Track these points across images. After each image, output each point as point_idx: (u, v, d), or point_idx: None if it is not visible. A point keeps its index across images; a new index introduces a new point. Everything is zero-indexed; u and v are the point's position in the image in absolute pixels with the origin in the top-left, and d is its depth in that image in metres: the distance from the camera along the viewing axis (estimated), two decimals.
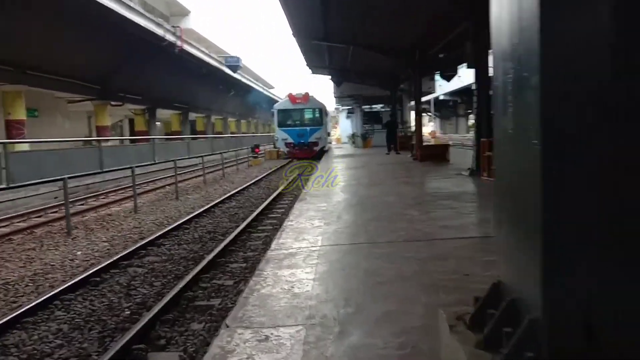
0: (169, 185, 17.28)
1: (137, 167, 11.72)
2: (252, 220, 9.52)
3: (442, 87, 54.75)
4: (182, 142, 18.97)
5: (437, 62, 22.09)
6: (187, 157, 16.91)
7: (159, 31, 20.03)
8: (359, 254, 4.91)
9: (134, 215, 10.95)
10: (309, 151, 29.25)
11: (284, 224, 6.84)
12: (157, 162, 14.02)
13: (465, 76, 48.10)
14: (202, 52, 26.66)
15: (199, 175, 19.96)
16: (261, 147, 31.90)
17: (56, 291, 5.39)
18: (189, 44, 24.03)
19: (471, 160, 12.29)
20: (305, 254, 5.04)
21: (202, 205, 11.97)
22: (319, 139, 29.78)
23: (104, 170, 11.32)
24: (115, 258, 6.81)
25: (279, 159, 30.59)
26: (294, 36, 20.04)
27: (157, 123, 43.45)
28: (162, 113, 32.12)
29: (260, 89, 46.92)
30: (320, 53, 23.96)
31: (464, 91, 60.91)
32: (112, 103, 22.72)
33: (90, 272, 6.16)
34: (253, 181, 17.39)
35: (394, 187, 10.18)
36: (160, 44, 20.60)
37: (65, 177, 8.35)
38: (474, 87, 40.60)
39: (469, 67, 12.24)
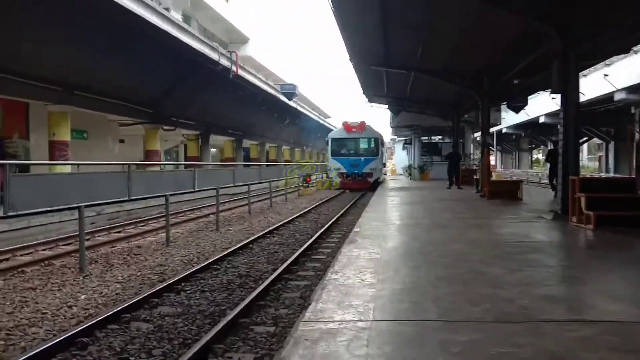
0: (213, 213, 16.29)
1: (171, 195, 10.63)
2: (292, 262, 8.13)
3: (505, 120, 51.68)
4: (227, 170, 17.98)
5: (508, 90, 20.24)
6: (231, 185, 15.81)
7: (214, 55, 19.47)
8: (430, 343, 3.36)
9: (164, 249, 9.82)
10: (362, 182, 27.81)
11: (327, 277, 5.37)
12: (196, 189, 12.96)
13: (530, 108, 45.56)
14: (258, 78, 26.10)
15: (245, 205, 18.92)
16: (314, 176, 30.85)
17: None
18: (244, 69, 23.47)
19: (553, 201, 10.40)
20: (351, 334, 3.54)
21: (241, 240, 10.72)
22: (373, 170, 28.29)
23: (132, 198, 10.29)
24: (119, 307, 5.57)
25: (332, 189, 29.31)
26: (351, 61, 18.92)
27: (212, 149, 43.59)
28: (216, 139, 31.80)
29: (316, 118, 46.23)
30: (378, 80, 22.71)
31: (529, 124, 58.18)
32: (165, 127, 22.31)
33: (82, 327, 4.92)
34: (300, 213, 16.08)
35: (462, 231, 8.50)
36: (214, 69, 20.04)
37: (81, 204, 7.29)
38: (542, 119, 38.01)
39: (553, 92, 10.49)
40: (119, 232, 12.46)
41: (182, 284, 6.88)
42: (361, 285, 4.93)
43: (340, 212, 16.12)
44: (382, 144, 30.76)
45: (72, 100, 16.27)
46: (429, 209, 12.62)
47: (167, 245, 10.03)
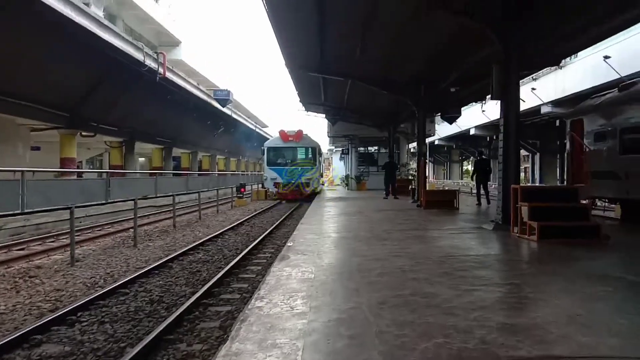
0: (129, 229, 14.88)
1: (77, 207, 9.29)
2: (215, 283, 7.13)
3: (437, 132, 52.69)
4: (148, 179, 16.53)
5: (443, 100, 20.26)
6: (147, 196, 14.48)
7: (138, 55, 18.03)
8: None
9: (67, 269, 8.49)
10: (299, 192, 27.04)
11: (250, 305, 4.47)
12: (109, 201, 11.60)
13: (461, 121, 46.86)
14: (188, 82, 24.69)
15: (171, 217, 17.56)
16: (250, 187, 29.72)
17: None
18: (173, 72, 22.06)
19: (496, 210, 10.04)
20: None
21: (160, 257, 9.57)
22: (310, 180, 27.60)
23: (25, 211, 8.87)
24: None
25: (267, 199, 28.34)
26: (287, 66, 18.12)
27: (141, 159, 41.29)
28: (144, 147, 29.93)
29: (252, 126, 45.05)
30: (315, 87, 22.09)
31: (460, 137, 60.03)
32: (83, 133, 20.43)
33: None
34: (232, 225, 15.00)
35: (402, 244, 7.85)
36: (139, 70, 18.56)
37: None
38: (472, 131, 38.92)
39: (493, 98, 10.17)
40: (22, 249, 10.91)
41: (79, 314, 5.72)
42: (290, 316, 4.07)
43: (275, 224, 15.21)
44: (320, 153, 30.19)
45: None
46: (367, 220, 11.99)
47: (72, 265, 8.70)
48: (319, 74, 18.43)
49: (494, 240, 8.44)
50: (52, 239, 12.35)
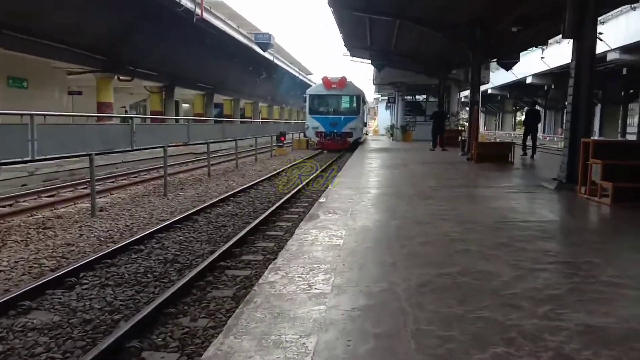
0: (170, 175, 14.48)
1: (97, 154, 8.74)
2: (238, 241, 6.44)
3: (491, 81, 49.56)
4: (180, 126, 15.96)
5: (500, 44, 18.44)
6: (173, 144, 13.90)
7: None
8: None
9: (87, 220, 8.03)
10: (341, 142, 26.05)
11: (262, 279, 3.70)
12: (135, 148, 11.06)
13: (517, 68, 43.75)
14: (228, 24, 23.59)
15: (212, 164, 17.09)
16: (292, 136, 28.96)
17: None
18: (211, 13, 21.02)
19: (559, 166, 8.80)
20: None
21: (187, 209, 9.00)
22: (353, 129, 26.48)
23: (36, 158, 8.39)
24: None
25: (308, 149, 27.52)
26: (330, 5, 16.73)
27: (185, 105, 41.08)
28: (187, 94, 29.46)
29: (296, 73, 43.75)
30: (361, 29, 20.57)
31: (514, 85, 56.51)
32: (121, 78, 19.99)
33: None
34: (268, 176, 14.33)
35: (451, 203, 6.86)
36: (175, 10, 17.64)
37: None
38: (529, 80, 36.26)
39: (565, 36, 8.69)
40: (52, 195, 10.61)
41: (82, 274, 5.16)
42: (306, 298, 3.26)
43: (312, 176, 14.43)
44: (364, 102, 28.87)
45: (4, 41, 13.94)
46: (411, 174, 10.98)
47: (93, 216, 8.23)
48: (364, 13, 16.97)
49: (558, 202, 7.31)
50: (84, 186, 12.08)
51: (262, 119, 44.44)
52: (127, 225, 7.71)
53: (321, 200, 7.41)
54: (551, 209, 6.67)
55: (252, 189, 11.97)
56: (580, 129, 8.41)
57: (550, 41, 37.57)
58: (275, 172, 15.36)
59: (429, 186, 8.74)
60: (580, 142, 7.98)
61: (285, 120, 52.28)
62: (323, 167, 16.88)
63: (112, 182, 12.71)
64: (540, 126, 63.46)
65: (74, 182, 12.11)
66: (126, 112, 31.76)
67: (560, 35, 10.13)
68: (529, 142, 15.74)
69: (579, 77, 8.44)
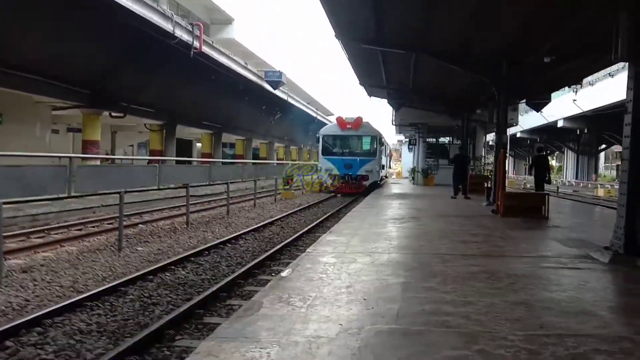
0: (145, 223, 12.69)
1: (7, 203, 6.94)
2: (152, 334, 4.44)
3: (519, 124, 47.32)
4: (147, 168, 14.28)
5: (531, 80, 16.47)
6: (139, 189, 12.14)
7: (166, 25, 15.72)
8: None
9: None
10: (356, 185, 24.14)
11: None
12: (70, 195, 9.29)
13: (547, 111, 41.47)
14: (233, 60, 22.25)
15: (198, 211, 15.27)
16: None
17: None
18: (212, 47, 19.68)
19: (614, 231, 6.56)
20: None
21: (127, 273, 7.08)
22: (369, 172, 24.58)
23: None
24: None
25: (320, 192, 25.57)
26: (337, 38, 15.09)
27: (198, 144, 39.96)
28: (193, 132, 28.13)
29: (313, 113, 42.39)
30: (374, 65, 18.85)
31: (545, 129, 54.05)
32: (113, 114, 18.63)
33: None
34: (258, 225, 12.38)
35: (461, 288, 4.72)
36: (169, 43, 16.29)
37: None
38: (560, 123, 34.15)
39: (618, 59, 6.64)
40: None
41: None
42: None
43: (310, 225, 12.47)
44: (382, 143, 26.99)
45: None
46: (420, 234, 8.85)
47: None
48: (375, 46, 15.24)
49: (619, 289, 5.09)
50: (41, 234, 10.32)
51: (278, 159, 42.96)
52: (27, 300, 5.78)
53: (283, 274, 5.37)
54: (613, 303, 4.46)
55: (230, 243, 10.00)
56: None
57: (583, 83, 35.65)
58: (269, 221, 13.43)
59: (438, 253, 6.60)
60: None
61: (305, 161, 50.74)
62: (326, 215, 14.88)
63: (63, 232, 10.91)
64: (571, 171, 60.56)
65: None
66: (125, 152, 30.61)
67: (598, 73, 8.15)
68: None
69: (639, 114, 6.32)
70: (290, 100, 32.95)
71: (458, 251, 6.76)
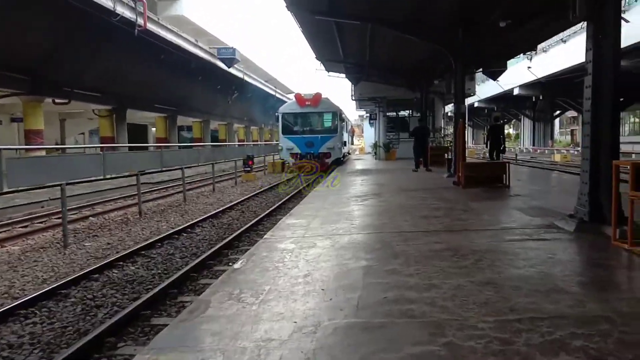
0: (95, 216, 11.99)
1: None
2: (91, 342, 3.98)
3: (476, 94, 47.63)
4: (89, 156, 13.49)
5: (488, 48, 16.35)
6: (81, 180, 11.44)
7: (106, 2, 14.70)
8: None
9: None
10: (318, 164, 23.70)
11: None
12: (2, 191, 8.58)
13: (504, 79, 41.89)
14: (182, 37, 21.23)
15: (155, 199, 14.62)
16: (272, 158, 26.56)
17: None
18: (158, 23, 18.67)
19: (578, 197, 6.43)
20: None
21: (70, 273, 6.54)
22: (331, 149, 24.23)
23: None
24: None
25: (283, 172, 25.11)
26: (289, 9, 14.50)
27: (154, 129, 38.54)
28: (146, 116, 26.99)
29: (272, 92, 41.49)
30: (330, 38, 18.32)
31: (501, 98, 54.83)
32: (56, 100, 17.50)
33: None
34: (217, 211, 11.89)
35: (424, 271, 4.45)
36: (111, 21, 15.27)
37: None
38: (516, 91, 34.70)
39: (576, 19, 6.40)
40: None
41: None
42: None
43: (272, 207, 12.08)
44: (342, 119, 26.60)
45: None
46: (382, 209, 8.59)
47: None
48: (329, 17, 14.73)
49: (589, 258, 4.93)
50: None
51: (239, 140, 42.06)
52: None
53: (236, 265, 4.96)
54: (583, 277, 4.26)
55: (185, 232, 9.50)
56: (606, 147, 6.07)
57: (537, 50, 36.01)
58: (229, 205, 12.94)
59: (400, 231, 6.32)
60: (608, 164, 5.67)
61: (266, 141, 49.99)
62: (288, 196, 14.48)
63: (6, 230, 10.12)
64: (528, 138, 61.97)
65: None
66: (76, 141, 29.21)
67: (555, 37, 7.94)
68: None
69: (599, 78, 6.12)
70: (246, 78, 32.02)
71: (420, 227, 6.50)
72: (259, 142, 45.52)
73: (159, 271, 6.75)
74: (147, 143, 33.25)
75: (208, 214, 11.45)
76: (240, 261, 5.13)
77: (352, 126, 47.44)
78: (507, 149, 17.97)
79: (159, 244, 8.38)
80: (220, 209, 12.35)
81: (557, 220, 6.54)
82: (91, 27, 15.55)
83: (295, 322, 3.29)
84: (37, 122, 16.72)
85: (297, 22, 16.27)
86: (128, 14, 15.83)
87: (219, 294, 4.02)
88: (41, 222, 11.15)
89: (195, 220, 10.54)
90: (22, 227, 10.64)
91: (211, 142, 34.93)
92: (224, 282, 4.41)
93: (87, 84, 18.08)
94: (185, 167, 14.53)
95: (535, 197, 9.36)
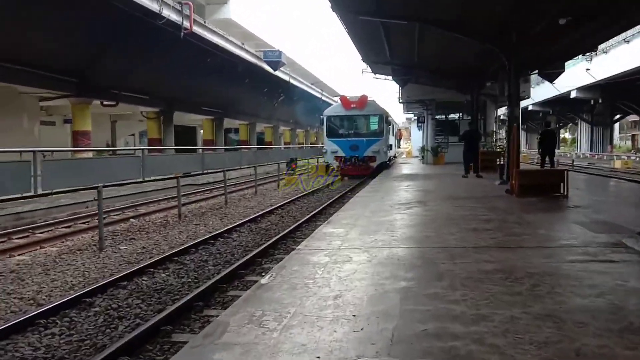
0: (137, 217, 12.01)
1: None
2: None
3: (531, 96, 45.60)
4: (137, 158, 13.51)
5: (543, 48, 15.36)
6: (118, 182, 11.41)
7: (151, 4, 14.81)
8: None
9: None
10: (364, 167, 23.29)
11: None
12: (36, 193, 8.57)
13: (560, 82, 39.82)
14: (229, 41, 21.26)
15: (197, 201, 14.58)
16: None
17: None
18: (204, 26, 18.73)
19: None
20: None
21: (99, 279, 6.38)
22: (376, 153, 23.68)
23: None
24: None
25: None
26: (334, 10, 14.10)
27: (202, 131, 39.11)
28: (193, 119, 27.32)
29: (318, 94, 41.27)
30: (376, 39, 17.79)
31: (557, 101, 52.36)
32: (104, 103, 17.85)
33: None
34: (256, 215, 11.66)
35: (472, 297, 3.92)
36: (157, 24, 15.39)
37: None
38: (573, 94, 33.06)
39: None
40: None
41: None
42: None
43: (313, 212, 11.74)
44: (388, 122, 25.97)
45: None
46: (427, 221, 8.02)
47: None
48: (375, 17, 14.21)
49: None
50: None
51: (285, 143, 42.09)
52: None
53: (263, 280, 4.58)
54: None
55: (222, 237, 9.26)
56: None
57: (597, 51, 34.00)
58: (269, 209, 12.68)
59: (445, 246, 5.77)
60: None
61: (312, 144, 49.82)
62: (332, 200, 14.11)
63: (49, 230, 10.22)
64: (586, 143, 58.95)
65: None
66: (126, 142, 29.93)
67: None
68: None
69: None
70: (292, 81, 31.91)
71: (468, 242, 5.92)
72: (304, 145, 45.41)
73: (190, 279, 6.49)
74: (196, 145, 33.67)
75: (247, 218, 11.22)
76: (269, 275, 4.75)
77: (399, 129, 46.54)
78: (559, 154, 17.26)
79: (194, 250, 8.15)
80: (260, 212, 12.10)
81: (625, 238, 5.80)
82: (137, 29, 15.73)
83: (317, 357, 2.86)
84: (84, 124, 17.13)
85: (342, 24, 15.86)
86: (174, 16, 15.92)
87: (239, 314, 3.64)
88: (84, 223, 11.24)
89: (234, 225, 10.31)
90: (65, 227, 10.73)
91: (257, 144, 35.05)
92: (247, 300, 4.03)
93: (134, 86, 18.39)
94: (230, 169, 14.33)
95: (598, 210, 8.52)
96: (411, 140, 54.02)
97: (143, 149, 18.53)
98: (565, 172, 10.71)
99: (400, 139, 48.41)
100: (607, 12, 11.07)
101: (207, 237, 9.07)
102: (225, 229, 9.90)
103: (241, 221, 10.84)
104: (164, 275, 6.70)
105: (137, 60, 17.34)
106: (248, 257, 7.34)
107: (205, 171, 15.11)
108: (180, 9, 16.27)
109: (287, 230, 9.58)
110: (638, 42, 30.77)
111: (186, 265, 7.25)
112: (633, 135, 72.74)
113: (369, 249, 5.75)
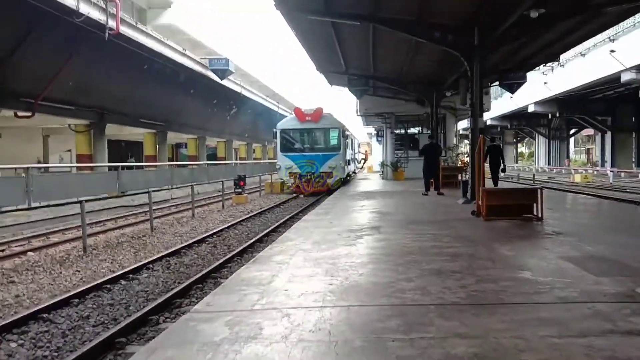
0: (34, 250, 9.91)
1: None
2: None
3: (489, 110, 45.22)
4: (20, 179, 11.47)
5: (507, 54, 14.24)
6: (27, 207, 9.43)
7: (68, 0, 12.78)
8: None
9: None
10: (320, 184, 21.68)
11: None
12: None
13: (518, 97, 39.55)
14: (166, 45, 19.30)
15: (120, 227, 12.54)
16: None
17: None
18: (137, 29, 16.75)
19: None
20: None
21: None
22: (333, 169, 22.14)
23: None
24: None
25: (282, 193, 23.08)
26: (278, 7, 12.49)
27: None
28: (134, 132, 25.09)
29: (274, 107, 39.59)
30: (329, 45, 16.32)
31: (514, 115, 52.59)
32: (18, 114, 15.59)
33: None
34: (182, 245, 9.76)
35: None
36: (75, 22, 13.34)
37: None
38: (532, 108, 32.90)
39: None
40: None
41: None
42: None
43: (252, 240, 9.98)
44: (345, 136, 24.52)
45: None
46: (380, 256, 6.39)
47: None
48: (324, 17, 12.71)
49: None
50: None
51: (240, 158, 40.13)
52: None
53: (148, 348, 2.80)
54: None
55: (125, 279, 7.33)
56: None
57: (553, 65, 33.76)
58: (203, 236, 10.84)
59: (399, 304, 4.13)
60: None
61: (270, 159, 47.97)
62: (278, 223, 12.39)
63: None
64: (544, 157, 59.39)
65: None
66: (61, 158, 27.29)
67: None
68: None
69: None
70: (245, 92, 30.10)
71: (431, 296, 4.28)
72: (261, 160, 43.54)
73: (46, 355, 4.59)
74: (142, 162, 31.28)
75: (170, 250, 9.33)
76: (150, 343, 2.95)
77: (359, 144, 45.31)
78: (518, 168, 16.13)
79: (77, 300, 6.22)
80: (189, 241, 10.22)
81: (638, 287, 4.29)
82: (55, 28, 13.64)
83: None
84: None
85: (289, 25, 14.28)
86: (96, 14, 13.92)
87: None
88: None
89: (148, 260, 8.40)
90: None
91: (209, 159, 33.00)
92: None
93: (55, 95, 16.13)
94: (156, 190, 12.37)
95: (583, 238, 7.07)
96: (371, 155, 53.00)
97: (71, 167, 16.36)
98: (539, 190, 9.31)
99: (367, 155, 46.82)
100: (584, 9, 9.90)
101: (107, 278, 7.15)
102: (136, 265, 7.99)
103: (161, 254, 8.96)
104: (13, 346, 4.77)
105: (57, 64, 15.13)
106: (139, 314, 5.47)
107: (122, 193, 12.99)
108: (104, 6, 14.28)
109: (213, 266, 7.79)
110: (593, 56, 30.64)
111: (57, 325, 5.33)
112: (588, 149, 74.29)
113: (292, 309, 4.03)
